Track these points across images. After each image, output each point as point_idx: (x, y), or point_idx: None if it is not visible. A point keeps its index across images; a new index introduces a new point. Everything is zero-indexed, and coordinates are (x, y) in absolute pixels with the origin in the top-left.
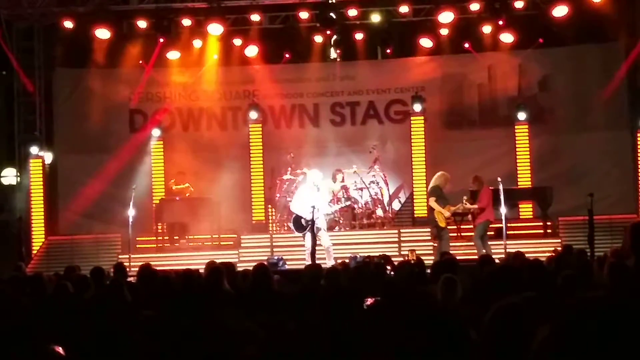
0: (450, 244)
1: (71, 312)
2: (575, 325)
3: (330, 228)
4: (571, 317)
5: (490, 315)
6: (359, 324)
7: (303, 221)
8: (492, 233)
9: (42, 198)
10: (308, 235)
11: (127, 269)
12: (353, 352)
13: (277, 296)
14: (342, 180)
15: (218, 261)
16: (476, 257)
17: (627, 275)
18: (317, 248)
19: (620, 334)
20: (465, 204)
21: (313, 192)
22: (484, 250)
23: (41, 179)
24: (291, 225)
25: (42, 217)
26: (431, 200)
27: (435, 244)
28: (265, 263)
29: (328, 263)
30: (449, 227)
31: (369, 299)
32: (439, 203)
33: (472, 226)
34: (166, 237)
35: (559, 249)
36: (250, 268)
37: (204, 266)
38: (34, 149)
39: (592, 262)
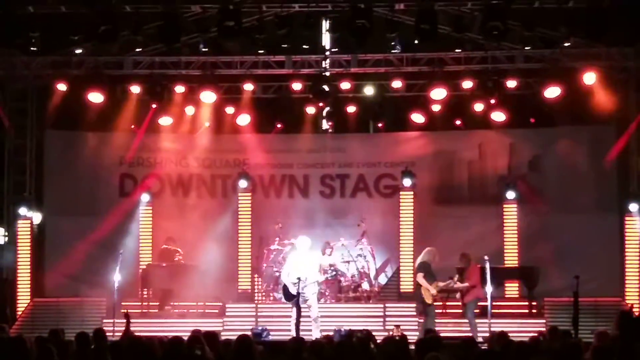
0: (436, 321)
1: None
2: None
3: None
4: None
5: None
6: None
7: (291, 291)
8: (477, 311)
9: (29, 259)
10: (295, 306)
11: (111, 334)
12: None
13: None
14: (330, 254)
15: (202, 329)
16: (462, 334)
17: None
18: (304, 318)
19: None
20: (456, 282)
21: (302, 260)
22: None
23: (29, 240)
24: (279, 294)
25: (29, 278)
26: (419, 276)
27: (421, 320)
28: (249, 333)
29: (314, 334)
30: (435, 303)
31: None
32: (426, 279)
33: (459, 303)
34: (151, 303)
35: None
36: (234, 337)
37: (187, 333)
38: (22, 210)
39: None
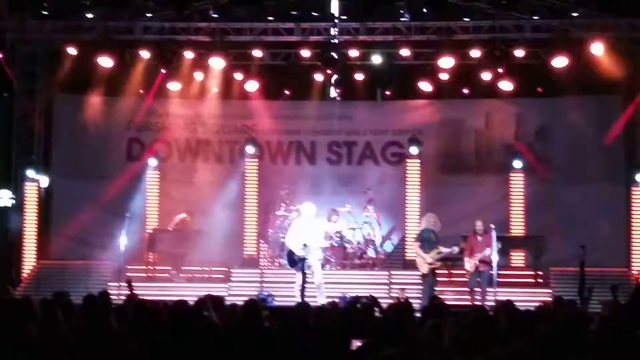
0: (442, 289)
1: (59, 339)
2: None
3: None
4: None
5: None
6: None
7: (295, 257)
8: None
9: (35, 221)
10: (300, 271)
11: (116, 297)
12: None
13: (265, 333)
14: (336, 221)
15: (207, 294)
16: (468, 302)
17: (619, 331)
18: (309, 285)
19: None
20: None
21: (307, 226)
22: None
23: (36, 203)
24: (284, 260)
25: (35, 240)
26: (415, 246)
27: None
28: (255, 298)
29: (319, 300)
30: (438, 271)
31: (356, 342)
32: (423, 248)
33: (464, 271)
34: (157, 267)
35: (549, 299)
36: (240, 302)
37: (193, 298)
38: (30, 172)
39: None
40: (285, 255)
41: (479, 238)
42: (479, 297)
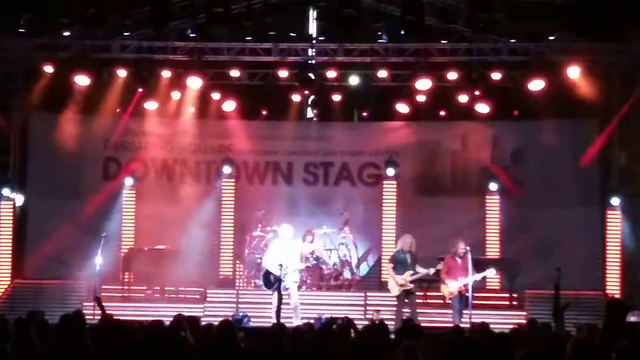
0: (419, 310)
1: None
2: None
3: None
4: None
5: None
6: None
7: (272, 277)
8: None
9: (10, 240)
10: (276, 292)
11: (92, 317)
12: None
13: (240, 353)
14: (312, 242)
15: (183, 314)
16: (444, 324)
17: (591, 352)
18: (285, 306)
19: None
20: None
21: (284, 248)
22: None
23: (11, 221)
24: (260, 281)
25: (10, 259)
26: (388, 268)
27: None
28: (230, 319)
29: (294, 322)
30: (413, 293)
31: None
32: (396, 270)
33: (440, 293)
34: (132, 287)
35: (524, 322)
36: (215, 323)
37: (168, 318)
38: (5, 191)
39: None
40: (261, 276)
41: (459, 260)
42: (459, 319)
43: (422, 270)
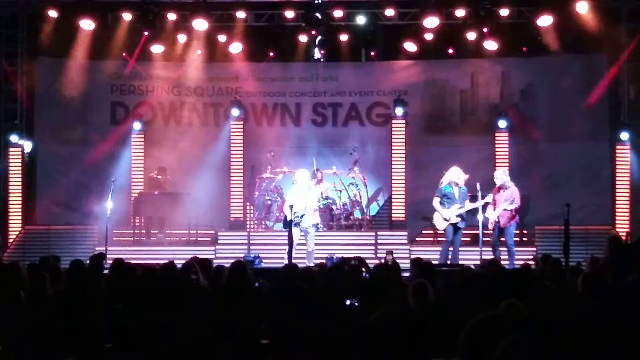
0: (431, 249)
1: (47, 303)
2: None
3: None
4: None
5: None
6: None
7: (290, 221)
8: (469, 239)
9: (20, 187)
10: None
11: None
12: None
13: (253, 292)
14: (321, 179)
15: (193, 256)
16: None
17: (602, 287)
18: (299, 248)
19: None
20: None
21: (303, 192)
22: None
23: (20, 168)
24: (271, 222)
25: (20, 206)
26: (434, 201)
27: (412, 248)
28: (242, 260)
29: (308, 263)
30: (460, 229)
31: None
32: (442, 204)
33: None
34: (143, 231)
35: (539, 256)
36: (224, 265)
37: (180, 261)
38: (13, 137)
39: (566, 272)
40: (273, 219)
41: (501, 192)
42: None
43: (469, 205)
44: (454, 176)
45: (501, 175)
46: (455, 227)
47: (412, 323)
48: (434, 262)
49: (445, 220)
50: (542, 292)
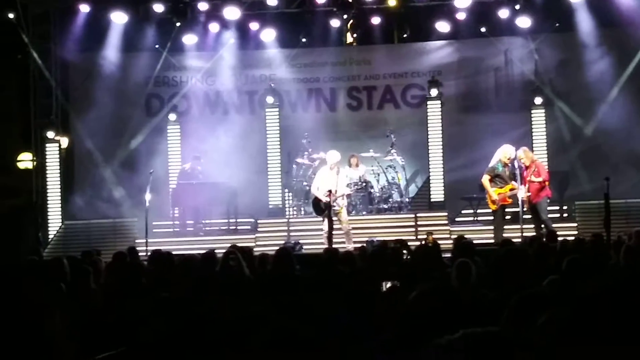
0: (474, 228)
1: (90, 297)
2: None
3: (347, 212)
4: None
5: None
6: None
7: (322, 204)
8: (509, 217)
9: (58, 182)
10: (326, 219)
11: (144, 254)
12: (368, 333)
13: (298, 280)
14: (357, 165)
15: (233, 244)
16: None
17: None
18: (336, 231)
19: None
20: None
21: (332, 174)
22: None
23: (58, 163)
24: (310, 208)
25: (59, 201)
26: (484, 179)
27: (452, 228)
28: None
29: (347, 247)
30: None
31: (387, 283)
32: (494, 182)
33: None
34: (182, 222)
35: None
36: (268, 252)
37: (221, 250)
38: (50, 133)
39: (608, 246)
40: (311, 203)
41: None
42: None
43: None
44: (505, 155)
45: (522, 154)
46: (504, 207)
47: (448, 298)
48: (475, 241)
49: (492, 201)
50: (583, 267)
